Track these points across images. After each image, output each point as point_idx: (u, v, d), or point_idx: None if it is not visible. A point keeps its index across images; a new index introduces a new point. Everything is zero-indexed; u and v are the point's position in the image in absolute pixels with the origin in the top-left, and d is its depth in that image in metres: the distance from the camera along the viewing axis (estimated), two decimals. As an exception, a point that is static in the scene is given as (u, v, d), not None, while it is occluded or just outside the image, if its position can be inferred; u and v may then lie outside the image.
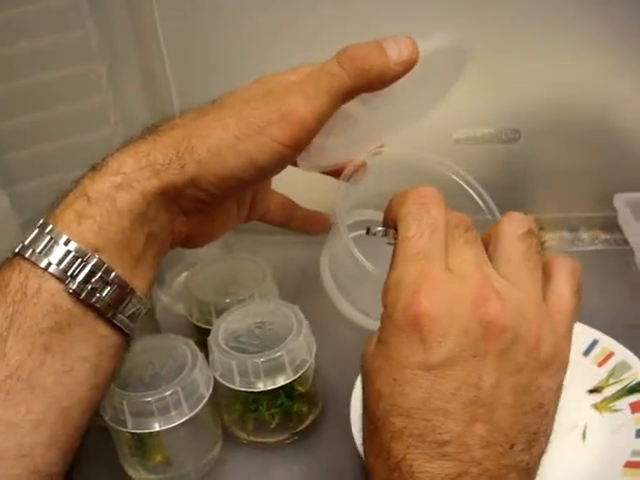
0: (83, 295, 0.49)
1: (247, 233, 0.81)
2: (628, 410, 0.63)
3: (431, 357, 0.41)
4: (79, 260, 0.49)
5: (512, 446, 0.42)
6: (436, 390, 0.41)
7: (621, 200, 0.80)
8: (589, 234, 0.87)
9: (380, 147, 0.71)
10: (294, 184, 0.68)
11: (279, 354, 0.60)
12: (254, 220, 0.68)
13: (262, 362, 0.60)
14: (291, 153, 0.55)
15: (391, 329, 0.43)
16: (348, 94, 0.55)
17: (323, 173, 0.69)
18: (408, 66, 0.55)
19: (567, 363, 0.45)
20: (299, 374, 0.61)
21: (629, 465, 0.59)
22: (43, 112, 0.80)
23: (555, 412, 0.45)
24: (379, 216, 0.78)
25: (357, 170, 0.69)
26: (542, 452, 0.44)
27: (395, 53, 0.54)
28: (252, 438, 0.65)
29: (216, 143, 0.53)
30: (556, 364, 0.44)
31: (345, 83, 0.54)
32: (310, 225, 0.72)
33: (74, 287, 0.49)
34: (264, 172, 0.55)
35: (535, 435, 0.43)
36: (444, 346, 0.41)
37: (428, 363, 0.41)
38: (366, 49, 0.54)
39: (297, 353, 0.61)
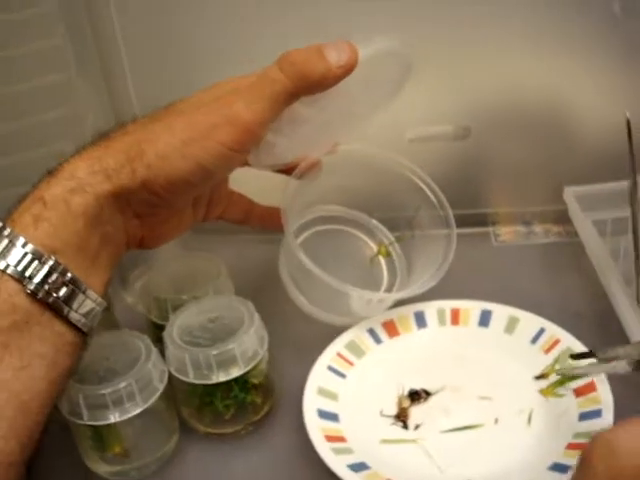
0: (40, 295, 0.52)
1: (209, 233, 0.84)
2: (572, 395, 0.66)
3: None
4: (36, 262, 0.52)
5: None
6: None
7: (570, 193, 0.82)
8: (542, 227, 0.90)
9: (335, 146, 0.73)
10: (255, 183, 0.71)
11: (231, 347, 0.62)
12: (212, 219, 0.71)
13: (214, 355, 0.62)
14: (237, 156, 0.58)
15: None
16: (290, 98, 0.58)
17: (278, 172, 0.72)
18: (347, 70, 0.58)
19: None
20: (251, 366, 0.64)
21: (571, 447, 0.61)
22: (14, 123, 0.82)
23: None
24: (339, 211, 0.82)
25: (310, 168, 0.72)
26: None
27: (334, 58, 0.57)
28: (209, 430, 0.67)
29: (164, 148, 0.56)
30: None
31: (286, 87, 0.57)
32: (268, 221, 0.74)
33: (32, 288, 0.52)
34: (211, 175, 0.58)
35: None
36: None
37: None
38: (306, 54, 0.57)
39: (249, 345, 0.63)
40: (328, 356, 0.70)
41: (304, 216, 0.79)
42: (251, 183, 0.71)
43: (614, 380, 0.64)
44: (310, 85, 0.57)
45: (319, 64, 0.57)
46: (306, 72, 0.57)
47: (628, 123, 0.65)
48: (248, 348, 0.63)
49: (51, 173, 0.55)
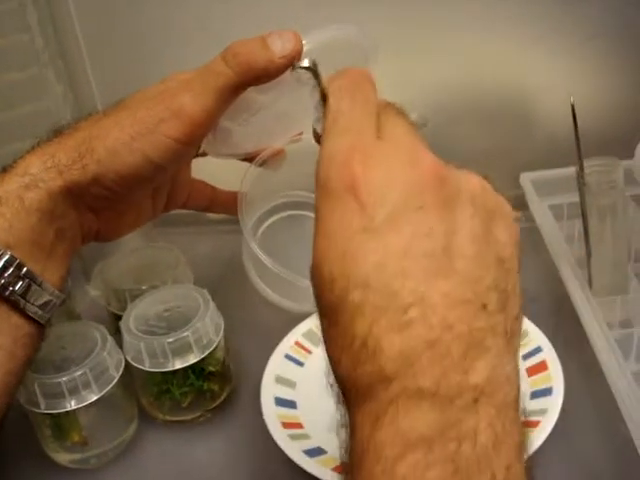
0: None
1: (170, 226, 0.85)
2: (524, 374, 0.67)
3: (375, 218, 0.37)
4: None
5: (484, 306, 0.37)
6: (388, 251, 0.37)
7: (526, 179, 0.83)
8: (501, 213, 0.91)
9: (299, 135, 0.74)
10: (219, 170, 0.71)
11: (185, 334, 0.63)
12: (175, 209, 0.71)
13: (169, 343, 0.63)
14: (184, 148, 0.58)
15: (328, 203, 0.39)
16: (235, 89, 0.58)
17: (243, 160, 0.72)
18: (291, 59, 0.58)
19: (511, 216, 0.42)
20: (206, 353, 0.65)
21: (523, 425, 0.62)
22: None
23: (518, 273, 0.40)
24: (306, 197, 0.82)
25: (274, 156, 0.72)
26: (517, 316, 0.39)
27: (278, 47, 0.57)
28: (168, 417, 0.68)
29: (113, 143, 0.56)
30: (504, 214, 0.42)
31: (230, 79, 0.57)
32: (232, 207, 0.74)
33: None
34: (161, 168, 0.58)
35: (505, 293, 0.39)
36: (385, 204, 0.38)
37: (373, 225, 0.37)
38: (249, 45, 0.58)
39: (203, 333, 0.64)
40: (286, 345, 0.72)
41: (271, 201, 0.80)
42: (215, 170, 0.71)
43: (566, 360, 0.66)
44: (254, 76, 0.58)
45: (262, 54, 0.57)
46: (249, 63, 0.57)
47: (572, 108, 0.66)
48: (203, 336, 0.64)
49: (5, 170, 0.56)
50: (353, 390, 0.37)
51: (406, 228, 0.37)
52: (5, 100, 0.81)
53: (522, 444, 0.36)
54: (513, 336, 0.38)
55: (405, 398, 0.35)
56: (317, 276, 0.39)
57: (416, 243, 0.37)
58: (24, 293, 0.54)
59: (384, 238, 0.37)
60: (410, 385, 0.35)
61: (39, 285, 0.55)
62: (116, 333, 0.66)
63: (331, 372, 0.39)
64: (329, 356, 0.39)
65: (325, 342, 0.39)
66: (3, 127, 0.82)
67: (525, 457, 0.36)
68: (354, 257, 0.37)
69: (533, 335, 0.69)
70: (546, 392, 0.64)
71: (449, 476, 0.34)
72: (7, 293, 0.53)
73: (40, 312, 0.55)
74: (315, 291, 0.40)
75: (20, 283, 0.54)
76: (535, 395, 0.64)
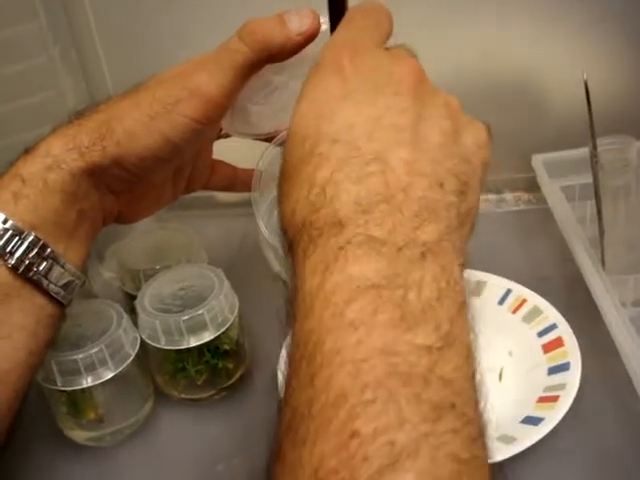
0: (21, 269, 0.53)
1: (184, 209, 0.85)
2: (541, 351, 0.67)
3: (355, 90, 0.43)
4: (17, 237, 0.53)
5: (441, 184, 0.40)
6: (361, 116, 0.42)
7: (538, 161, 0.83)
8: (513, 195, 0.91)
9: None
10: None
11: (200, 312, 0.63)
12: (196, 190, 0.71)
13: (184, 320, 0.63)
14: (202, 128, 0.58)
15: (317, 76, 0.45)
16: (253, 67, 0.58)
17: (264, 140, 0.72)
18: (309, 37, 0.58)
19: (484, 136, 0.46)
20: (221, 331, 0.65)
21: (541, 400, 0.62)
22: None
23: (480, 183, 0.44)
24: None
25: None
26: (473, 211, 0.43)
27: (296, 25, 0.58)
28: (183, 395, 0.68)
29: (131, 124, 0.57)
30: (476, 130, 0.46)
31: (247, 57, 0.57)
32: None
33: (13, 262, 0.53)
34: (180, 149, 0.59)
35: (466, 185, 0.42)
36: (367, 83, 0.43)
37: (352, 95, 0.43)
38: (266, 22, 0.58)
39: (218, 311, 0.65)
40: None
41: (257, 197, 0.79)
42: (236, 151, 0.71)
43: (582, 334, 0.67)
44: (271, 53, 0.58)
45: (279, 32, 0.57)
46: (266, 40, 0.57)
47: (585, 84, 0.66)
48: (218, 314, 0.65)
49: (27, 151, 0.56)
50: (305, 238, 0.40)
51: (381, 102, 0.42)
52: (14, 90, 0.82)
53: (464, 304, 0.39)
54: (465, 224, 0.42)
55: (355, 245, 0.37)
56: (292, 135, 0.44)
57: (388, 115, 0.42)
58: (47, 273, 0.55)
59: (359, 106, 0.42)
60: (361, 232, 0.38)
61: (62, 266, 0.56)
62: (131, 313, 0.66)
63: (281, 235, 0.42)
64: (282, 214, 0.43)
65: (281, 203, 0.43)
66: (11, 117, 0.82)
67: (470, 318, 0.39)
68: (329, 118, 0.42)
69: (548, 312, 0.69)
70: (564, 367, 0.64)
71: (397, 321, 0.36)
72: (31, 273, 0.54)
73: (62, 292, 0.56)
74: (286, 151, 0.44)
75: (44, 264, 0.54)
76: (553, 371, 0.65)
